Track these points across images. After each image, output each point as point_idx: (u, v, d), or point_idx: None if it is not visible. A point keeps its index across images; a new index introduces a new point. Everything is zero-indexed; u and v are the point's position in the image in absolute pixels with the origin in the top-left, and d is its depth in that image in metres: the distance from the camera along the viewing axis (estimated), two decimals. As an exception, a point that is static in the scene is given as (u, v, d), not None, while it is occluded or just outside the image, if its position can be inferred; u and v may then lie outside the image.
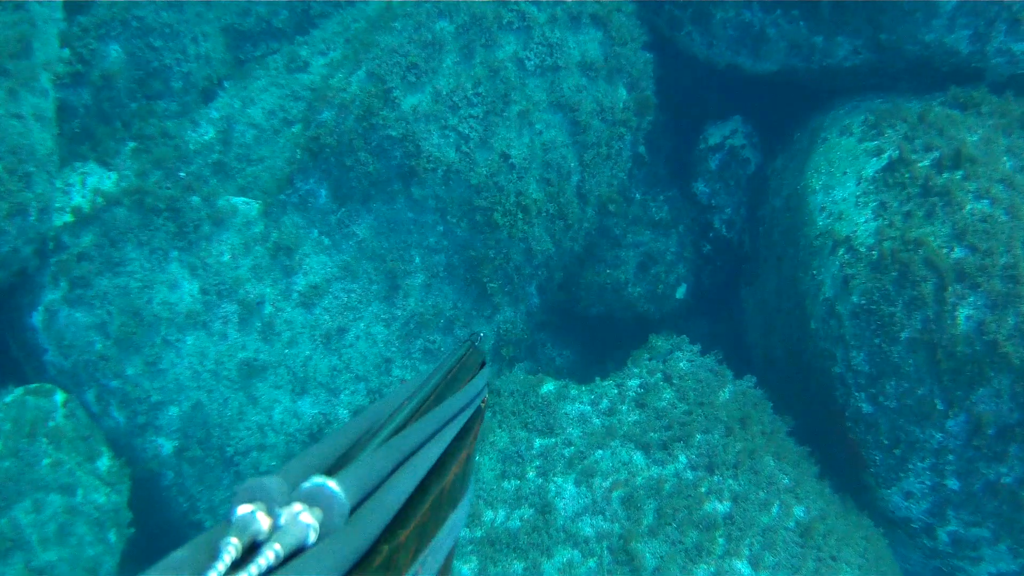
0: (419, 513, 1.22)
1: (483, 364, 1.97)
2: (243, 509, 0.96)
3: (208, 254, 6.19)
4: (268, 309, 6.31)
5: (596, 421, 5.60)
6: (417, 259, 6.78)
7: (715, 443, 5.45)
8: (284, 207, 6.42)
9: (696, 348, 6.14)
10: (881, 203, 6.12)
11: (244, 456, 6.33)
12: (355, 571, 0.98)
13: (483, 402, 1.85)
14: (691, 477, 5.32)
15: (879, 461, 5.82)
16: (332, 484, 1.00)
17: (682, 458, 5.43)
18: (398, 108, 6.27)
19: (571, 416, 5.66)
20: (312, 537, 0.96)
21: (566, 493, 5.34)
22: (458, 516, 1.48)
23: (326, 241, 6.57)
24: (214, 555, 0.89)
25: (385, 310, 6.78)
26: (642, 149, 6.95)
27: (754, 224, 8.15)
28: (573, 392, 5.77)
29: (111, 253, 5.92)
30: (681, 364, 5.94)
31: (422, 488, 1.28)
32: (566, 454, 5.48)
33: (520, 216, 6.51)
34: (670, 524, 5.00)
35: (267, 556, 0.89)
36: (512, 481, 5.33)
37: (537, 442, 5.59)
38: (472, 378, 1.76)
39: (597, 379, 6.08)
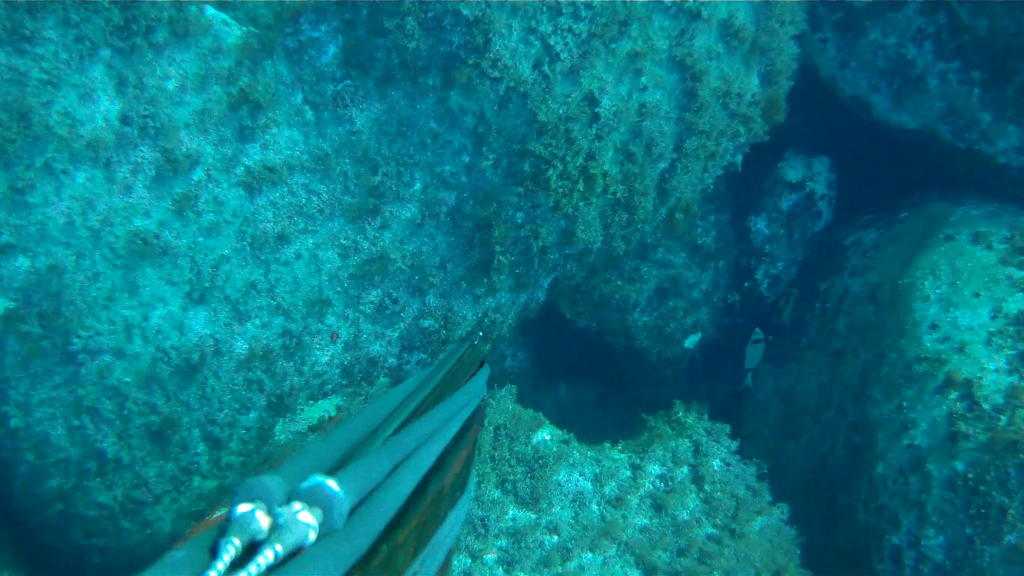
0: (418, 512, 1.35)
1: (482, 363, 2.13)
2: (243, 508, 1.05)
3: (150, 71, 4.60)
4: (198, 174, 4.82)
5: (595, 509, 4.45)
6: (418, 184, 5.42)
7: None
8: (271, 49, 4.91)
9: (735, 446, 5.07)
10: (1023, 356, 5.19)
11: (92, 357, 4.85)
12: (355, 571, 1.10)
13: (482, 401, 2.00)
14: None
15: None
16: (332, 484, 1.11)
17: None
18: (480, -21, 4.86)
19: (565, 490, 4.49)
20: (312, 537, 1.06)
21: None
22: (457, 515, 1.64)
23: (309, 114, 5.11)
24: (214, 554, 0.97)
25: (349, 234, 5.40)
26: (739, 159, 5.78)
27: (808, 296, 7.11)
28: (575, 455, 4.59)
29: (22, 18, 4.28)
30: (715, 464, 4.85)
31: (421, 487, 1.40)
32: (545, 543, 4.30)
33: (580, 187, 5.26)
34: None
35: (266, 556, 0.98)
36: (462, 559, 4.12)
37: (512, 513, 4.39)
38: (471, 377, 1.94)
39: (607, 445, 4.90)
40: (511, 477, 4.38)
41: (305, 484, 1.11)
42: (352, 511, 1.14)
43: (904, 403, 5.14)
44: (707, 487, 4.66)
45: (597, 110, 5.15)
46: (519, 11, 4.92)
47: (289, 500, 1.10)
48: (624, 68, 5.16)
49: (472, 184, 5.30)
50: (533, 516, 4.33)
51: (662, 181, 5.44)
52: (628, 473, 4.64)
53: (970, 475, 4.69)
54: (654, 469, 4.66)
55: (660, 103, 5.22)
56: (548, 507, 4.34)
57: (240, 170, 4.91)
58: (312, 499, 1.10)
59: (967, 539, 4.66)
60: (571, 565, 4.21)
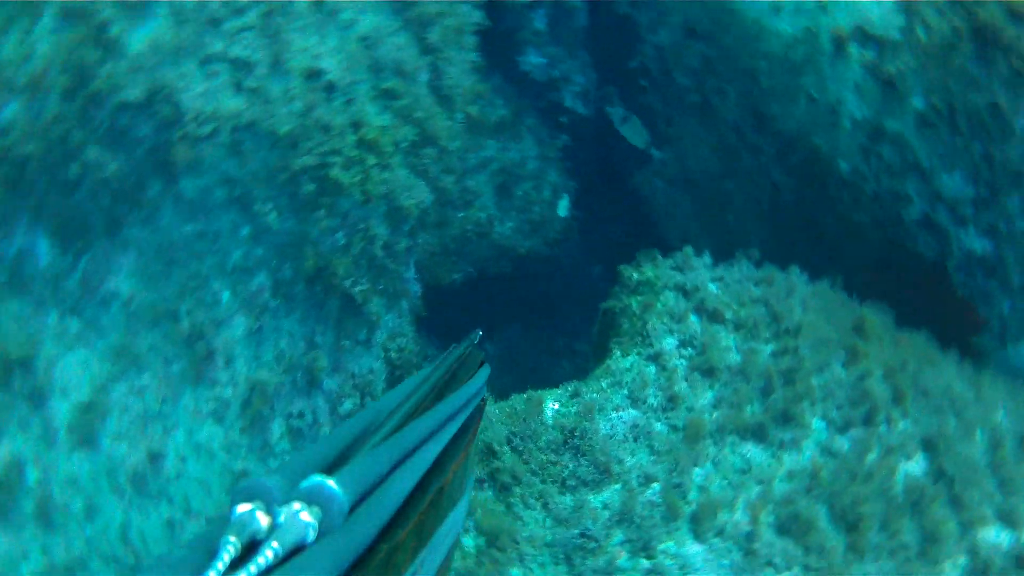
0: (418, 512, 1.36)
1: (483, 362, 2.13)
2: (242, 508, 1.05)
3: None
4: (33, 476, 3.97)
5: (661, 427, 3.95)
6: (225, 293, 4.68)
7: (847, 380, 4.00)
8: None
9: (708, 259, 4.62)
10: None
11: None
12: (354, 570, 1.11)
13: (482, 401, 2.03)
14: (847, 445, 3.82)
15: (1007, 311, 4.64)
16: (331, 483, 1.11)
17: (816, 423, 3.93)
18: (125, 53, 4.04)
19: (618, 434, 3.99)
20: (311, 536, 1.06)
21: (693, 557, 3.69)
22: (457, 514, 1.67)
23: (74, 325, 4.26)
24: (213, 554, 0.97)
25: (205, 396, 4.64)
26: (479, 14, 5.18)
27: (626, 83, 6.64)
28: (593, 396, 4.04)
29: None
30: (712, 288, 4.40)
31: (421, 486, 1.42)
32: (654, 500, 3.79)
33: (372, 159, 4.60)
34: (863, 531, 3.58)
35: (266, 555, 0.98)
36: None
37: (598, 500, 3.85)
38: (471, 376, 1.96)
39: (606, 363, 4.36)
40: (566, 472, 3.82)
41: (304, 483, 1.13)
42: (352, 510, 1.16)
43: (812, 93, 4.72)
44: (727, 315, 4.21)
45: (327, 78, 4.44)
46: (182, 52, 4.11)
47: (288, 499, 1.11)
48: (321, 22, 4.44)
49: (271, 247, 4.66)
50: (618, 487, 3.79)
51: (435, 91, 4.77)
52: (651, 368, 4.16)
53: (932, 102, 4.32)
54: (668, 343, 4.25)
55: (379, 24, 4.56)
56: (622, 465, 3.80)
57: (61, 436, 4.06)
58: (311, 498, 1.11)
59: (981, 156, 4.36)
60: (692, 495, 3.70)
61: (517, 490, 3.97)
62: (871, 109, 4.87)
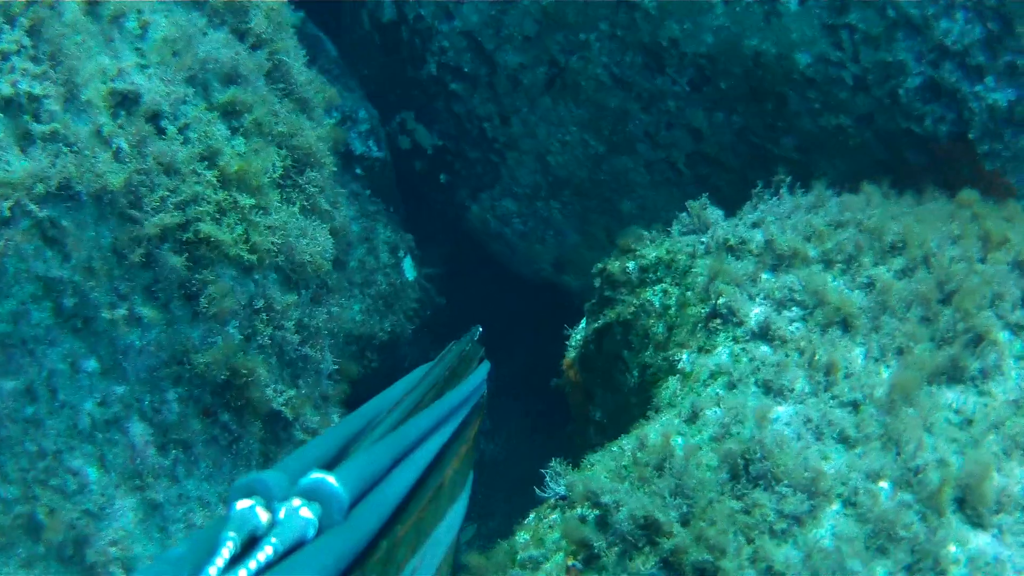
0: (418, 508, 1.41)
1: (483, 359, 2.20)
2: (242, 504, 1.09)
3: None
4: None
5: (837, 412, 2.88)
6: (91, 471, 3.29)
7: (1004, 270, 3.18)
8: None
9: (705, 198, 3.72)
10: None
11: None
12: (355, 566, 1.16)
13: (482, 397, 2.10)
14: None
15: None
16: (331, 479, 1.16)
17: (1003, 335, 3.09)
18: None
19: (784, 442, 2.85)
20: (311, 532, 1.12)
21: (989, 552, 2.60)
22: (457, 511, 1.74)
23: None
24: (212, 550, 1.00)
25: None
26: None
27: (425, 99, 5.50)
28: (712, 408, 2.92)
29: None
30: (761, 237, 3.46)
31: (421, 483, 1.46)
32: (903, 500, 2.69)
33: (245, 200, 3.39)
34: None
35: (265, 551, 1.02)
36: None
37: (820, 535, 2.68)
38: (472, 373, 2.00)
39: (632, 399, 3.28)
40: (769, 512, 2.60)
41: (304, 479, 1.16)
42: (352, 506, 1.19)
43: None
44: (812, 253, 3.25)
45: (144, 103, 3.24)
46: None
47: (288, 495, 1.14)
48: (108, 31, 3.01)
49: (139, 377, 3.19)
50: (839, 507, 2.67)
51: (287, 94, 3.50)
52: (763, 347, 3.09)
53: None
54: (762, 311, 3.12)
55: (178, 22, 3.15)
56: (824, 476, 2.66)
57: None
58: (311, 494, 1.15)
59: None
60: (934, 475, 2.65)
61: (727, 564, 2.62)
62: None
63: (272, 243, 3.32)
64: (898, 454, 2.83)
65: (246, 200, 3.28)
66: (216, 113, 3.35)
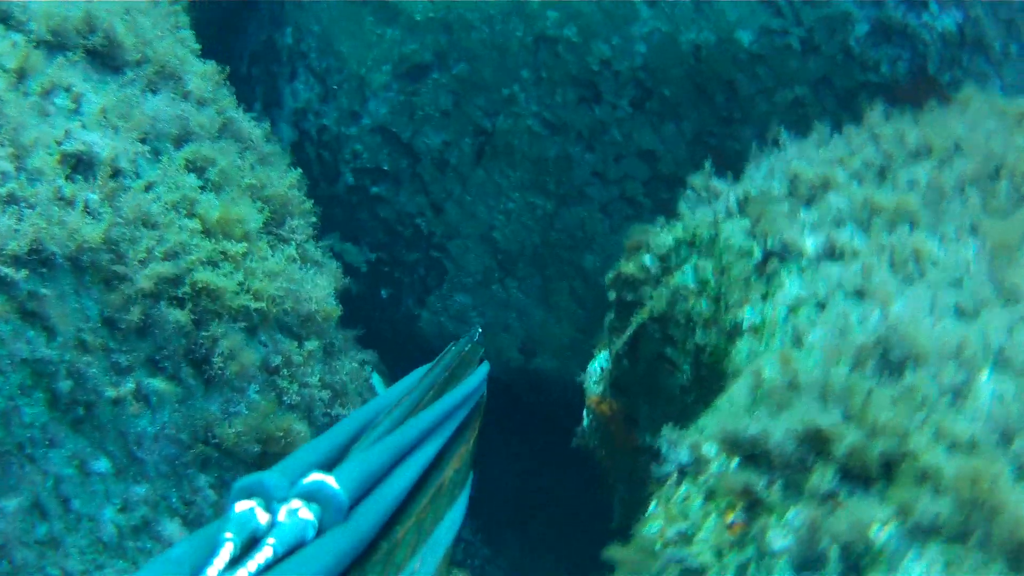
0: (418, 509, 1.43)
1: (482, 359, 2.22)
2: (242, 505, 1.13)
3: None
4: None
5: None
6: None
7: None
8: None
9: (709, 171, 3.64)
10: None
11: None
12: (354, 567, 1.18)
13: (481, 398, 2.09)
14: None
15: (1000, 90, 4.13)
16: (331, 480, 1.20)
17: None
18: None
19: None
20: (311, 533, 1.15)
21: None
22: (457, 511, 1.76)
23: None
24: (212, 551, 1.03)
25: None
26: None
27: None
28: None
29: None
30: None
31: (421, 483, 1.49)
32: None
33: (236, 248, 3.17)
34: None
35: (265, 552, 1.06)
36: None
37: None
38: (471, 374, 2.03)
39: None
40: None
41: (304, 480, 1.18)
42: (351, 507, 1.20)
43: None
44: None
45: (103, 160, 2.87)
46: None
47: (288, 497, 1.15)
48: (40, 106, 2.80)
49: (161, 471, 2.67)
50: None
51: (237, 138, 3.32)
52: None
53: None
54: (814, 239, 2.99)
55: (105, 90, 2.96)
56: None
57: None
58: (311, 496, 1.16)
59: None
60: None
61: (916, 444, 2.27)
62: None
63: (276, 288, 2.96)
64: (1019, 302, 2.65)
65: (237, 247, 2.93)
66: (181, 165, 3.04)
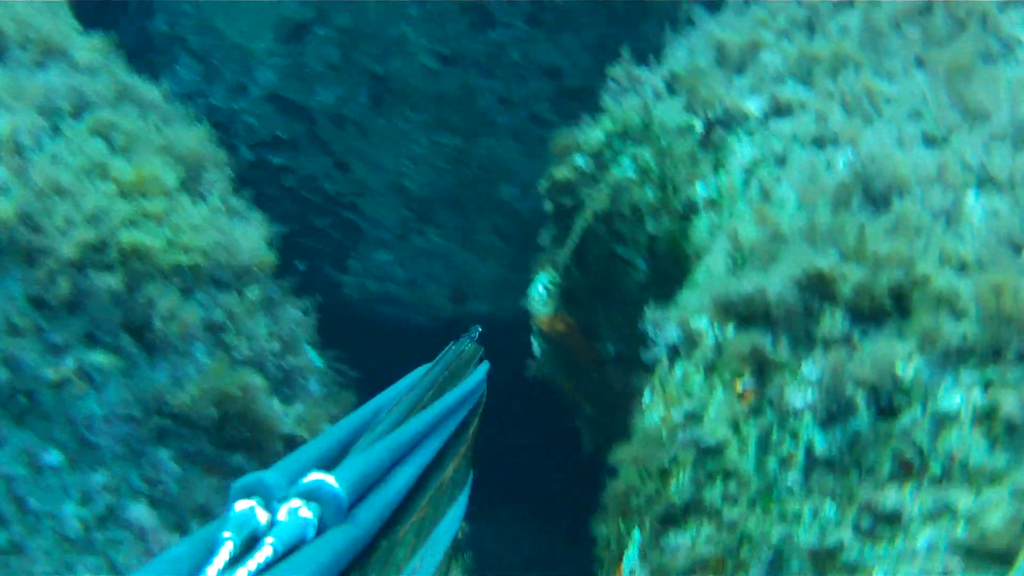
0: (418, 508, 1.42)
1: (482, 358, 2.21)
2: (241, 504, 1.09)
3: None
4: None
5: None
6: None
7: None
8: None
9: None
10: None
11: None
12: (354, 567, 1.16)
13: (481, 397, 2.08)
14: None
15: None
16: (330, 480, 1.16)
17: None
18: None
19: None
20: (310, 533, 1.11)
21: None
22: (457, 511, 1.77)
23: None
24: (211, 550, 1.00)
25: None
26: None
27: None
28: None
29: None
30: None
31: (421, 483, 1.46)
32: None
33: (158, 204, 2.94)
34: None
35: (264, 552, 1.02)
36: None
37: None
38: (471, 373, 2.04)
39: None
40: None
41: (304, 480, 1.16)
42: (351, 506, 1.19)
43: None
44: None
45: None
46: None
47: (288, 496, 1.14)
48: None
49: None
50: None
51: (139, 106, 3.02)
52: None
53: None
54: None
55: None
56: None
57: None
58: (311, 495, 1.14)
59: None
60: None
61: (924, 269, 2.13)
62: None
63: (206, 242, 2.72)
64: (988, 119, 2.57)
65: (158, 204, 2.68)
66: (85, 132, 2.78)
